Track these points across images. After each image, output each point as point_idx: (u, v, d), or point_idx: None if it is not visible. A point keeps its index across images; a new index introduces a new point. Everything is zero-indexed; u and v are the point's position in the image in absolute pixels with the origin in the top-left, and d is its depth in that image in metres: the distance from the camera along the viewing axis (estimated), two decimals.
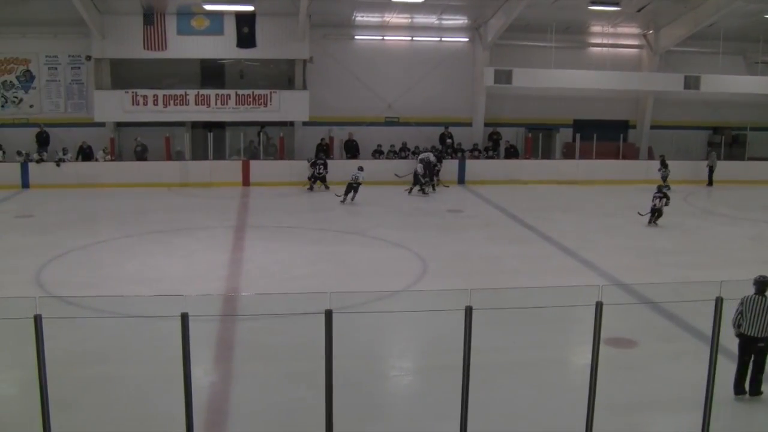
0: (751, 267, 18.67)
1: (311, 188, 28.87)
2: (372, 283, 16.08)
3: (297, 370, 11.42)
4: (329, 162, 29.38)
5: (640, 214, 23.62)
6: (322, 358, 7.54)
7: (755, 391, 10.41)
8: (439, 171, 30.01)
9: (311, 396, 9.22)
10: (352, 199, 26.20)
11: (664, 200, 23.24)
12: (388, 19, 31.93)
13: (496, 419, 9.94)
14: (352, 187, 26.22)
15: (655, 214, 23.28)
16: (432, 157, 29.51)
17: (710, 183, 32.67)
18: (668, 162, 31.09)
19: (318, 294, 7.51)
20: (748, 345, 10.46)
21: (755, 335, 10.34)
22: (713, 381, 8.13)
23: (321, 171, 28.88)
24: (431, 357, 12.72)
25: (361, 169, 26.95)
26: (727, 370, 10.81)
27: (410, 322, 13.41)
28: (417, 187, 28.50)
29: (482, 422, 8.84)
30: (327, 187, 28.65)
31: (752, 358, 10.41)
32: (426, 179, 28.59)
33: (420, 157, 29.63)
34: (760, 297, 10.45)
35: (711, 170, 32.79)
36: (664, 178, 29.87)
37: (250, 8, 29.30)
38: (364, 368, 11.76)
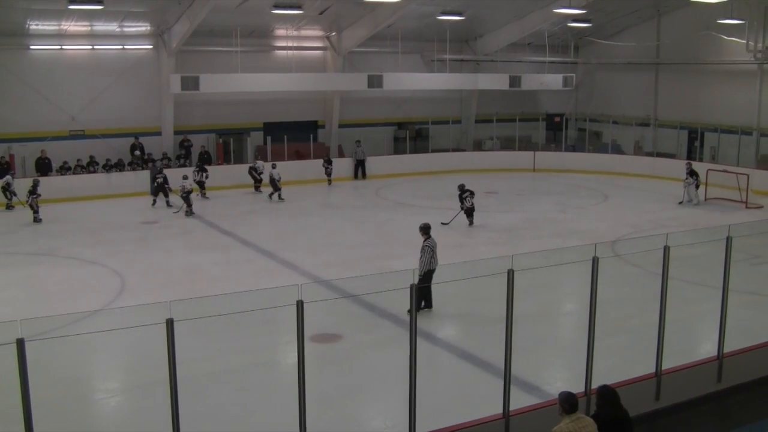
0: (442, 252, 20.00)
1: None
2: (68, 305, 15.40)
3: None
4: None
5: (443, 224, 23.27)
6: (19, 392, 7.13)
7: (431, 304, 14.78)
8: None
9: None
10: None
11: (472, 198, 23.45)
12: (65, 28, 30.44)
13: (211, 428, 9.92)
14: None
15: (471, 214, 23.49)
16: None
17: (363, 176, 34.32)
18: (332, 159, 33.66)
19: (7, 323, 7.05)
20: (431, 275, 14.55)
21: (435, 267, 14.61)
22: (415, 362, 8.59)
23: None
24: (137, 375, 12.43)
25: (185, 177, 27.15)
26: (429, 352, 11.50)
27: (112, 341, 13.00)
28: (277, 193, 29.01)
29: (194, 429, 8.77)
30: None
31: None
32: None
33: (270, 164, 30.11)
34: (431, 238, 14.96)
35: (361, 163, 34.42)
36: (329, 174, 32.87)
37: None
38: (67, 396, 11.26)
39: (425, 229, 15.25)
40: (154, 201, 27.96)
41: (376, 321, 14.70)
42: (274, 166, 29.51)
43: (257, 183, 30.56)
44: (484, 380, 11.79)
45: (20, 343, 6.92)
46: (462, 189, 23.66)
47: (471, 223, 23.52)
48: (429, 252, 14.71)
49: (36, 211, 24.95)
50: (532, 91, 39.97)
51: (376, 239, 22.31)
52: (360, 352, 13.56)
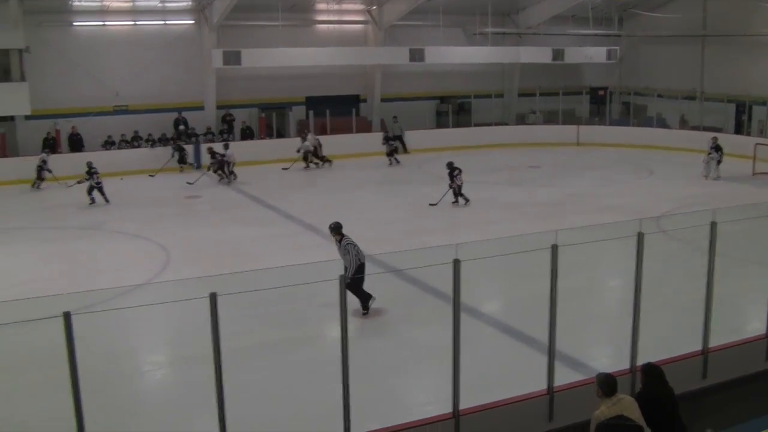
0: (480, 227, 19.94)
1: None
2: (114, 278, 15.57)
3: (41, 379, 10.84)
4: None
5: (431, 205, 22.90)
6: (67, 365, 7.21)
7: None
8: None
9: (60, 404, 8.78)
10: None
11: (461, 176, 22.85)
12: (108, 4, 30.69)
13: (254, 401, 9.98)
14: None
15: (460, 192, 22.86)
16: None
17: (404, 150, 33.99)
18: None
19: (55, 296, 7.12)
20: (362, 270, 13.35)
21: (364, 260, 13.43)
22: (459, 337, 8.55)
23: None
24: (182, 348, 12.53)
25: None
26: (472, 327, 11.43)
27: (157, 315, 13.09)
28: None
29: (241, 406, 8.82)
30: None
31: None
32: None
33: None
34: (347, 236, 13.51)
35: (399, 138, 34.00)
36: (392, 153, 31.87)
37: None
38: (113, 368, 11.38)
39: (336, 229, 13.73)
40: (221, 177, 27.93)
41: (418, 295, 14.65)
42: (304, 139, 30.44)
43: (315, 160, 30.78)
44: (528, 356, 11.71)
45: (67, 316, 6.99)
46: (451, 167, 22.89)
47: (458, 202, 22.89)
48: (354, 249, 13.39)
49: (102, 193, 24.05)
50: (575, 64, 39.44)
51: (419, 214, 22.23)
52: (402, 327, 13.54)
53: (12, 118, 29.98)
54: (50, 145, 29.23)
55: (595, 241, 12.34)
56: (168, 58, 31.96)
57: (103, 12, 30.90)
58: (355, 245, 13.45)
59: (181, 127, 31.94)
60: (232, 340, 7.78)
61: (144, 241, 19.23)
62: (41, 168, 26.96)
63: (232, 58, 31.11)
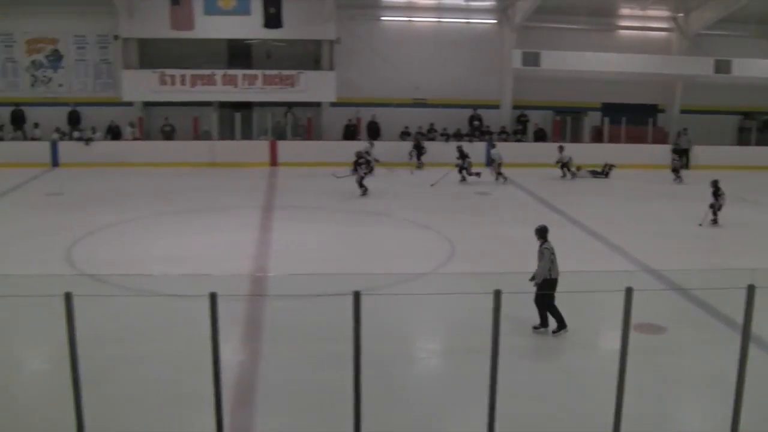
0: None
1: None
2: (400, 264, 16.02)
3: (325, 350, 11.40)
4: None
5: (700, 225, 21.33)
6: (350, 340, 7.52)
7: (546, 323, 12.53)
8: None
9: (339, 376, 9.19)
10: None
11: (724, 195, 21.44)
12: (415, 0, 31.85)
13: (522, 401, 9.91)
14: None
15: (716, 211, 21.49)
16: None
17: (687, 165, 31.63)
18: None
19: (346, 275, 7.45)
20: (553, 287, 12.16)
21: (557, 276, 12.16)
22: (744, 370, 8.01)
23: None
24: (459, 340, 12.67)
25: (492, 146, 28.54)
26: (757, 357, 10.69)
27: (438, 304, 13.34)
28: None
29: (509, 404, 8.80)
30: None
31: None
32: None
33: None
34: (548, 242, 12.43)
35: (685, 152, 32.17)
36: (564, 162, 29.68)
37: None
38: (392, 350, 11.72)
39: (541, 232, 12.76)
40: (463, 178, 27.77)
41: (705, 319, 13.86)
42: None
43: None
44: None
45: (356, 296, 7.29)
46: (716, 185, 21.26)
47: (716, 221, 21.29)
48: (549, 255, 12.31)
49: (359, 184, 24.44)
50: None
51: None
52: (684, 348, 12.89)
53: (318, 104, 31.91)
54: (351, 132, 30.77)
55: None
56: (468, 56, 32.58)
57: (410, 8, 32.12)
58: (553, 253, 12.38)
59: (476, 123, 32.46)
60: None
61: (431, 232, 19.69)
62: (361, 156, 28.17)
63: (531, 59, 31.18)
